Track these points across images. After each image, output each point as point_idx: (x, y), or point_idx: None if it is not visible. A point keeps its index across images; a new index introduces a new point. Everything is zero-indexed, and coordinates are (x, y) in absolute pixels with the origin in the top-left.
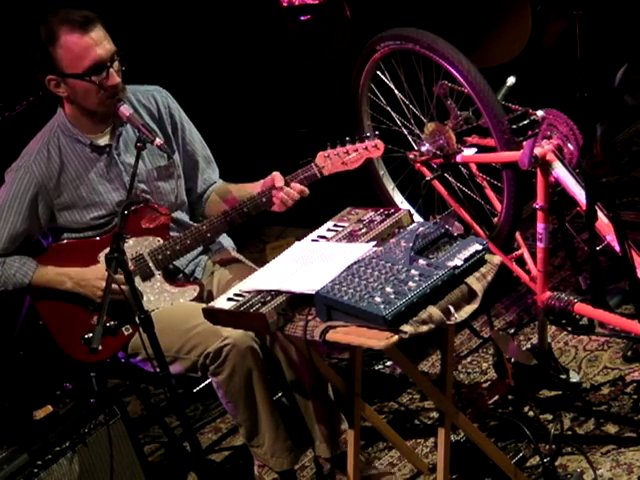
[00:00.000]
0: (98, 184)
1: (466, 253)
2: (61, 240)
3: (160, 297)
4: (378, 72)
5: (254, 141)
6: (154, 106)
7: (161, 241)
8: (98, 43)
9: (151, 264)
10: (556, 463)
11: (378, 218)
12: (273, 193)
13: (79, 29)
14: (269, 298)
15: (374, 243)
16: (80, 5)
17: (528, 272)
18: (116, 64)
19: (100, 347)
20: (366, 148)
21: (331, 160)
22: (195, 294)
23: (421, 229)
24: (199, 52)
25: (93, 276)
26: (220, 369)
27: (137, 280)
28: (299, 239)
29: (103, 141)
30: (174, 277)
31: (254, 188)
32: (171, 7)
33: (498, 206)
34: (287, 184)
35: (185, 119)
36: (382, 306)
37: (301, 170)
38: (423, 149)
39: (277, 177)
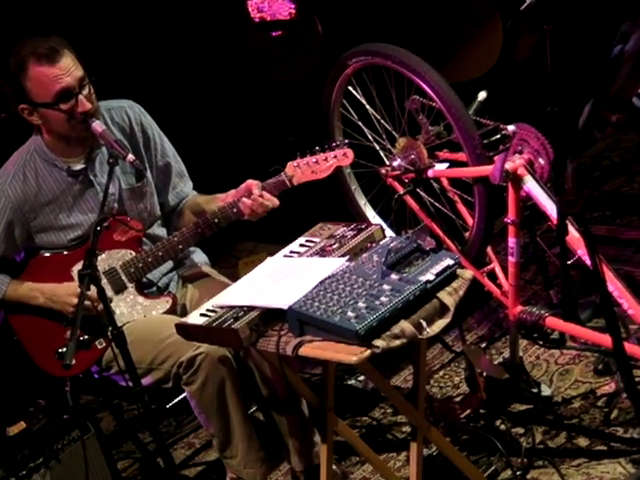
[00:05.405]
0: (74, 206)
1: (438, 268)
2: (39, 255)
3: (133, 310)
4: (350, 87)
5: (226, 151)
6: (127, 123)
7: (133, 254)
8: (65, 72)
9: (124, 277)
10: (528, 476)
11: (350, 233)
12: (242, 201)
13: (46, 60)
14: (242, 314)
15: (346, 258)
16: (53, 26)
17: (500, 286)
18: (86, 90)
19: (74, 361)
20: (335, 157)
21: (301, 169)
22: (168, 306)
23: (393, 244)
24: (174, 67)
25: (64, 292)
26: (193, 378)
27: (110, 293)
28: (271, 254)
29: (80, 165)
30: (147, 290)
31: (225, 198)
32: (148, 22)
33: (470, 221)
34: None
35: (158, 134)
36: (354, 321)
37: (271, 180)
38: (395, 164)
39: (253, 185)
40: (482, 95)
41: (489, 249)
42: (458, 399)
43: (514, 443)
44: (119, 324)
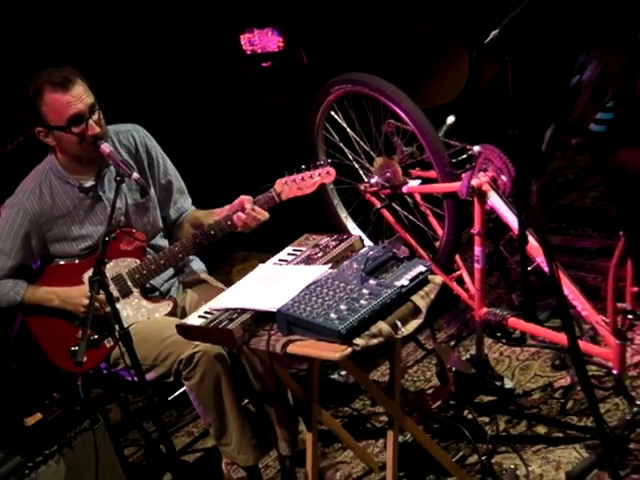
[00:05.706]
0: (85, 219)
1: (412, 274)
2: (53, 263)
3: (138, 312)
4: (332, 112)
5: (222, 170)
6: (133, 145)
7: (138, 262)
8: (77, 99)
9: (129, 282)
10: (492, 461)
11: (333, 243)
12: (236, 215)
13: (60, 88)
14: (235, 315)
15: (329, 265)
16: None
17: (467, 290)
18: (96, 115)
19: (85, 359)
20: (319, 175)
21: (288, 186)
22: (169, 309)
23: (371, 253)
24: (176, 95)
25: (76, 294)
26: (192, 374)
27: (117, 297)
28: (263, 262)
29: (90, 182)
30: (150, 294)
31: (220, 212)
32: (153, 56)
33: (440, 232)
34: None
35: (161, 155)
36: (337, 322)
37: (261, 195)
38: (372, 181)
39: (246, 200)
40: (451, 119)
41: (457, 257)
42: (430, 391)
43: (480, 431)
44: (125, 325)
